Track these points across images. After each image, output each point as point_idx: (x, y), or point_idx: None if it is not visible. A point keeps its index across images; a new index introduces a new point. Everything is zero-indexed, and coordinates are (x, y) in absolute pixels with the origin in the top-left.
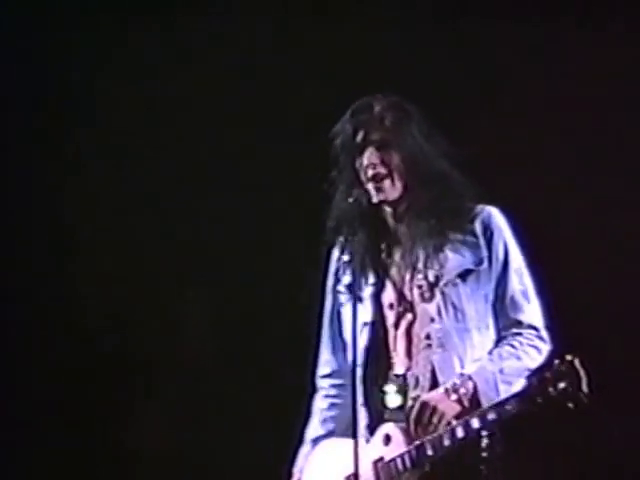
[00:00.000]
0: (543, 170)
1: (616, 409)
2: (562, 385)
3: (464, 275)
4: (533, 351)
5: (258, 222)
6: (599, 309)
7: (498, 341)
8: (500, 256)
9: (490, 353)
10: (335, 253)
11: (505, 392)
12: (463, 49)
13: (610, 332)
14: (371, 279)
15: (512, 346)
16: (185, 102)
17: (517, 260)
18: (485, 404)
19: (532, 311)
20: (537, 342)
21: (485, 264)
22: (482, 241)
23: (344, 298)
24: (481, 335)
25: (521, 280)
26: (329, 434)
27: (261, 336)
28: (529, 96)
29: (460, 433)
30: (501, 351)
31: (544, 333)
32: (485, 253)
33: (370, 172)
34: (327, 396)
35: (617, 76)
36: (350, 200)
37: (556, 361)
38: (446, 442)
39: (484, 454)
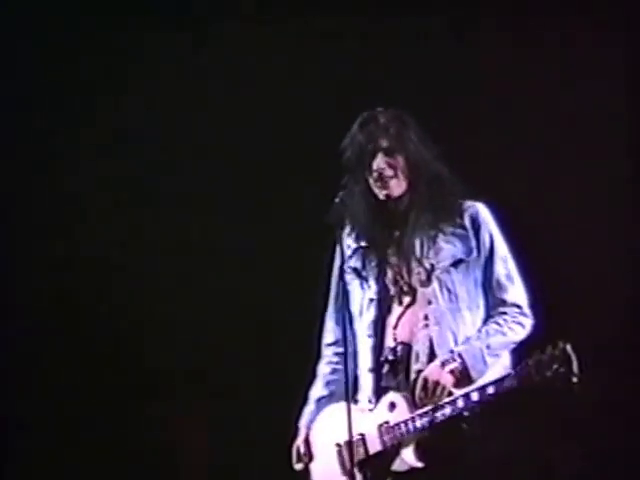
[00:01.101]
0: (523, 169)
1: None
2: (556, 367)
3: (456, 264)
4: (517, 327)
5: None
6: (576, 288)
7: (487, 319)
8: (487, 245)
9: (479, 331)
10: (344, 238)
11: (493, 364)
12: (447, 51)
13: (588, 309)
14: (375, 263)
15: (498, 323)
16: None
17: (501, 248)
18: (474, 376)
19: (515, 291)
20: (521, 318)
21: (474, 253)
22: (471, 233)
23: (350, 277)
24: (472, 314)
25: (505, 265)
26: (331, 395)
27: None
28: (512, 99)
29: (460, 404)
30: (488, 328)
31: (527, 310)
32: (474, 243)
33: (380, 174)
34: (330, 362)
35: (596, 74)
36: (363, 196)
37: (549, 346)
38: (447, 411)
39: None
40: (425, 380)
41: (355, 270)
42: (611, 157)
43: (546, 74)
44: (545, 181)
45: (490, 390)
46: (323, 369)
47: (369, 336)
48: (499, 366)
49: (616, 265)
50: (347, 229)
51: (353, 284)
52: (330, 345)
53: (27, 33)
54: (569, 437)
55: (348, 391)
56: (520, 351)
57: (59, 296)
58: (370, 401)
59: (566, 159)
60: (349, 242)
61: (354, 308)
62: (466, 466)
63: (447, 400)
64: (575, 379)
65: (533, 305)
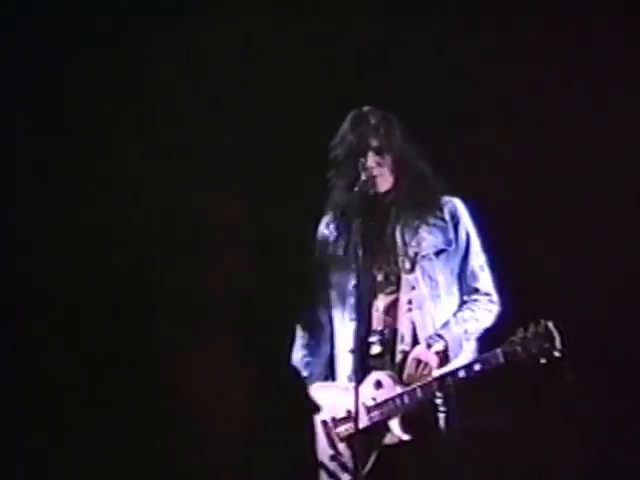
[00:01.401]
0: (497, 168)
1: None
2: (541, 343)
3: (438, 253)
4: (487, 314)
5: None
6: (542, 278)
7: (461, 304)
8: (464, 238)
9: (455, 315)
10: (326, 227)
11: (467, 348)
12: (429, 50)
13: (552, 295)
14: (361, 252)
15: (471, 309)
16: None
17: (475, 241)
18: (452, 358)
19: (486, 281)
20: (490, 306)
21: (453, 244)
22: (450, 225)
23: (333, 265)
24: (449, 300)
25: (479, 257)
26: (310, 376)
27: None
28: (493, 100)
29: (448, 380)
30: (463, 315)
31: (495, 298)
32: (452, 235)
33: (370, 171)
34: (307, 346)
35: (569, 71)
36: (355, 190)
37: (532, 325)
38: (435, 388)
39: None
40: (414, 360)
41: (339, 258)
42: (580, 153)
43: (527, 73)
44: (517, 178)
45: (477, 367)
46: (301, 352)
47: (351, 320)
48: (468, 350)
49: (582, 252)
50: (328, 219)
51: (336, 271)
52: (305, 329)
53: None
54: (551, 411)
55: (357, 372)
56: (485, 337)
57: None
58: (350, 380)
59: (537, 157)
60: (330, 231)
61: (336, 294)
62: (450, 439)
63: (435, 377)
64: (558, 354)
65: (501, 292)
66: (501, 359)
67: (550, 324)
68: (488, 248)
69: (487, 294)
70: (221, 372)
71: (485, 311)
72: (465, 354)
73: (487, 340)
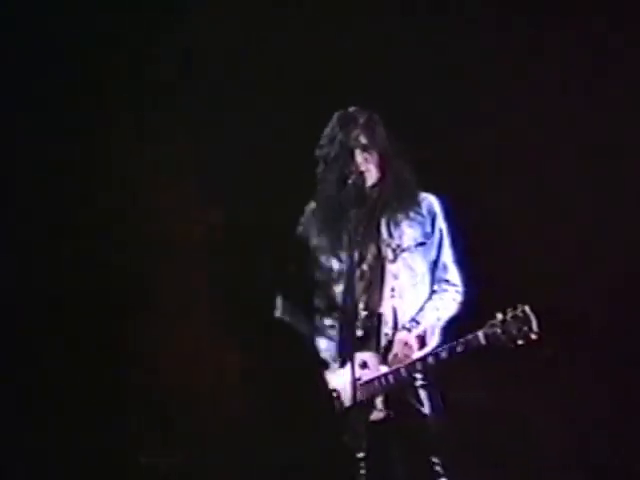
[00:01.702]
0: (469, 165)
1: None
2: (520, 325)
3: (417, 245)
4: (454, 303)
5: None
6: (507, 271)
7: (431, 293)
8: (439, 233)
9: (428, 303)
10: (311, 214)
11: (437, 333)
12: (409, 50)
13: (517, 285)
14: (347, 242)
15: (442, 299)
16: None
17: (447, 237)
18: (427, 342)
19: (455, 273)
20: (456, 295)
21: (430, 238)
22: (428, 220)
23: (321, 254)
24: (424, 288)
25: (449, 252)
26: None
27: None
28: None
29: (430, 361)
30: (436, 303)
31: (461, 289)
32: (429, 229)
33: (357, 167)
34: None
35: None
36: (348, 182)
37: (509, 309)
38: (418, 367)
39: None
40: (400, 342)
41: (327, 248)
42: (548, 149)
43: (501, 72)
44: (489, 174)
45: (459, 349)
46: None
47: (338, 305)
48: (437, 334)
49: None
50: (314, 209)
51: (322, 260)
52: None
53: None
54: (530, 389)
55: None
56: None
57: None
58: (334, 361)
59: (507, 153)
60: (317, 220)
61: (320, 281)
62: (431, 417)
63: (419, 358)
64: (534, 336)
65: (466, 284)
66: (482, 341)
67: (527, 308)
68: (460, 241)
69: (455, 285)
70: (220, 369)
71: (453, 301)
72: (436, 338)
73: (460, 326)
